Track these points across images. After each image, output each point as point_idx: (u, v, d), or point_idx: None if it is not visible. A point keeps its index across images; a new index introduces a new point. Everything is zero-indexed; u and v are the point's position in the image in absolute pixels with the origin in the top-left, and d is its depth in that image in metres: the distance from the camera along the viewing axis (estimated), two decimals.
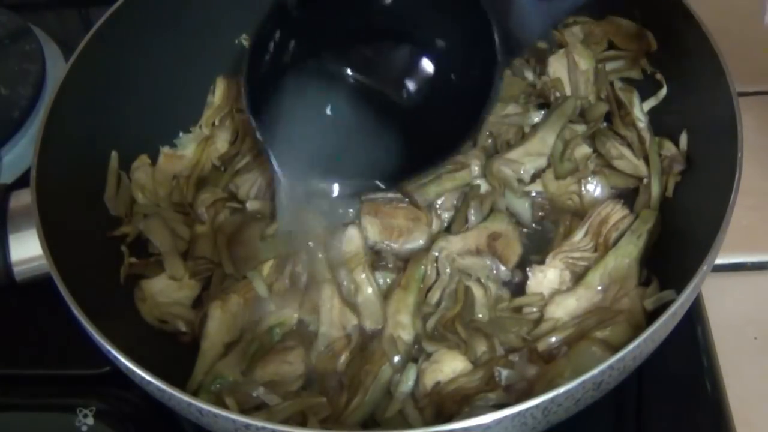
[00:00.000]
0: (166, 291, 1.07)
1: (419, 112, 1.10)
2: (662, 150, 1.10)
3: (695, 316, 1.11)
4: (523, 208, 1.10)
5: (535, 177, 1.10)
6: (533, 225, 1.11)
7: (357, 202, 1.09)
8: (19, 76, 1.36)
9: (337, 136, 1.08)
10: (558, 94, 1.15)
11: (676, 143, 1.10)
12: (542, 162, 1.10)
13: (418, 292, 1.02)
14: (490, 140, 1.15)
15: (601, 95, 1.16)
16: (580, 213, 1.09)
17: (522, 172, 1.09)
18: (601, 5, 1.19)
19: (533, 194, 1.11)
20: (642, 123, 1.12)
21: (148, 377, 0.84)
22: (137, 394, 1.04)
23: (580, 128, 1.14)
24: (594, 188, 1.10)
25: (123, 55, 1.16)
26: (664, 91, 1.15)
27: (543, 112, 1.14)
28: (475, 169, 1.10)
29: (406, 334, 1.00)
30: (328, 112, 1.09)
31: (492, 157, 1.11)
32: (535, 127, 1.13)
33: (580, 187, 1.10)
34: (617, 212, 1.05)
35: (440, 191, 1.09)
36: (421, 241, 1.07)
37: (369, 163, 1.06)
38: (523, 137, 1.14)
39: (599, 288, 1.00)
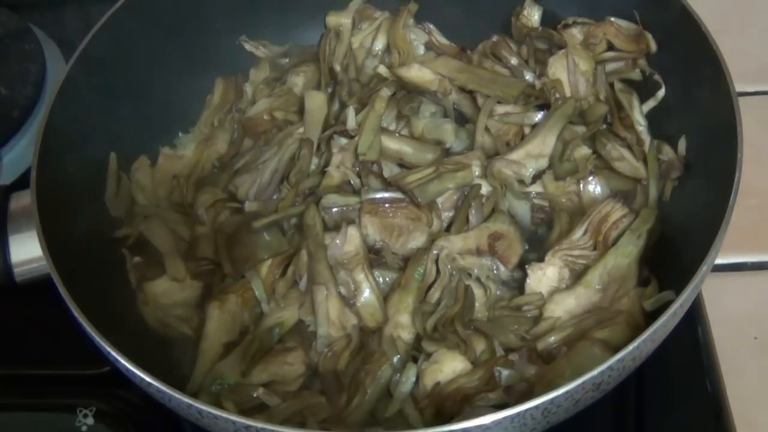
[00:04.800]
0: (169, 292, 1.07)
1: None
2: (660, 154, 1.10)
3: (695, 316, 1.11)
4: (523, 209, 1.10)
5: (536, 178, 1.10)
6: (533, 227, 1.11)
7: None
8: (19, 76, 1.36)
9: None
10: (558, 95, 1.15)
11: (675, 146, 1.10)
12: (543, 163, 1.10)
13: (418, 292, 1.02)
14: (490, 141, 1.15)
15: (601, 96, 1.16)
16: (579, 212, 1.09)
17: (523, 172, 1.09)
18: (601, 6, 1.19)
19: (532, 195, 1.11)
20: (641, 126, 1.12)
21: (148, 379, 0.84)
22: (137, 394, 1.04)
23: (580, 129, 1.14)
24: (593, 188, 1.10)
25: (123, 55, 1.16)
26: (662, 92, 1.15)
27: (543, 112, 1.14)
28: (476, 169, 1.10)
29: (406, 334, 1.00)
30: None
31: (493, 158, 1.11)
32: (535, 128, 1.13)
33: (579, 187, 1.10)
34: (617, 210, 1.05)
35: (441, 190, 1.09)
36: (422, 241, 1.07)
37: None
38: (523, 138, 1.14)
39: (598, 287, 1.00)
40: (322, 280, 1.02)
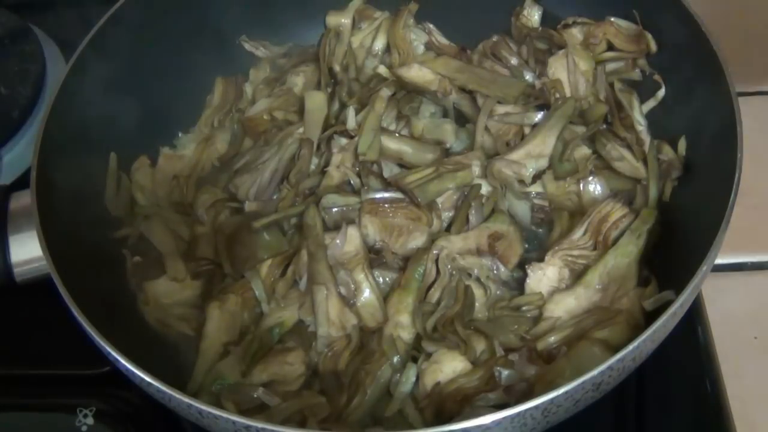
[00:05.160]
0: (170, 292, 1.07)
1: None
2: (660, 154, 1.10)
3: (695, 316, 1.11)
4: (523, 210, 1.10)
5: (536, 178, 1.10)
6: (533, 227, 1.11)
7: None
8: (19, 76, 1.36)
9: None
10: (558, 95, 1.15)
11: (675, 146, 1.10)
12: (543, 163, 1.09)
13: (418, 292, 1.02)
14: (490, 141, 1.15)
15: (601, 96, 1.16)
16: (579, 212, 1.09)
17: (523, 172, 1.09)
18: (601, 6, 1.19)
19: (532, 194, 1.11)
20: (641, 126, 1.12)
21: (148, 379, 0.84)
22: (137, 394, 1.05)
23: (580, 129, 1.14)
24: (593, 188, 1.10)
25: (122, 55, 1.16)
26: (662, 92, 1.15)
27: (543, 112, 1.14)
28: (476, 169, 1.10)
29: (406, 334, 1.00)
30: None
31: (493, 158, 1.11)
32: (535, 128, 1.13)
33: (579, 187, 1.10)
34: (617, 210, 1.05)
35: (441, 190, 1.09)
36: (422, 241, 1.07)
37: None
38: (523, 138, 1.14)
39: (598, 287, 1.00)
40: (322, 280, 1.02)
